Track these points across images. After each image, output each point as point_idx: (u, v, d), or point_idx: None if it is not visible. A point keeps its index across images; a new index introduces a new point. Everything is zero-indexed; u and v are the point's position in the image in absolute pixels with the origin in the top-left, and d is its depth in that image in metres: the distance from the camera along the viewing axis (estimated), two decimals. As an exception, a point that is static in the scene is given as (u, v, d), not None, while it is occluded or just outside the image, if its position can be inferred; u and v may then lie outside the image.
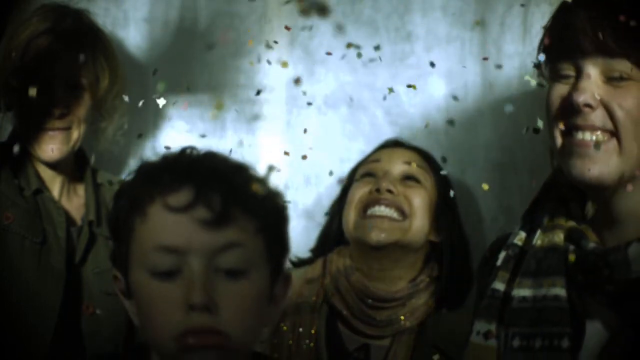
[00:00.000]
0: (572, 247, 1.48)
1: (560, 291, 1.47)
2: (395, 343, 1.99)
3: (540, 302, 1.48)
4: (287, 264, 1.36)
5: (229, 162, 1.27)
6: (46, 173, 2.13)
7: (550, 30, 1.48)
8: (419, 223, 2.02)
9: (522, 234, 1.56)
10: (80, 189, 2.19)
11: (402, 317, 1.99)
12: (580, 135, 1.43)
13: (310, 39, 2.32)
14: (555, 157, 1.53)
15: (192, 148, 1.27)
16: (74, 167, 2.20)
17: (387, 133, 2.22)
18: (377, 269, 2.02)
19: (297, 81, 2.27)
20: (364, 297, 2.00)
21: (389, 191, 2.01)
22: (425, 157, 2.11)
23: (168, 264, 1.20)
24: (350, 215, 2.04)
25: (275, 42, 2.09)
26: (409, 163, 2.06)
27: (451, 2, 2.26)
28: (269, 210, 1.26)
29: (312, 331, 2.00)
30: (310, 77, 2.32)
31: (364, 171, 2.09)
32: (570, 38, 1.42)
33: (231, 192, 1.22)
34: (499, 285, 1.54)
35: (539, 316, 1.47)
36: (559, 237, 1.51)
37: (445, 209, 2.05)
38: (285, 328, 2.00)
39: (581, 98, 1.41)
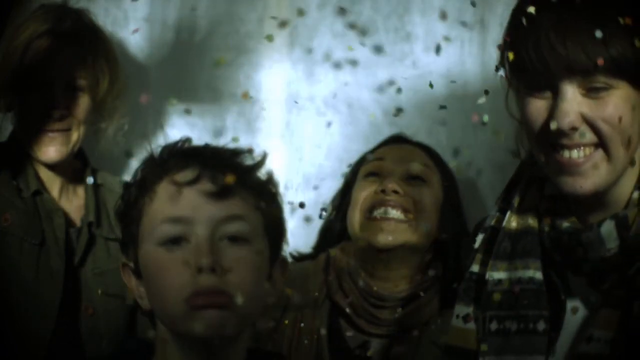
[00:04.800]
0: (546, 228, 1.47)
1: (535, 274, 1.47)
2: (397, 342, 1.98)
3: (515, 285, 1.47)
4: (288, 259, 1.42)
5: (227, 147, 1.38)
6: (46, 174, 2.13)
7: (514, 43, 1.43)
8: (426, 224, 1.99)
9: (497, 215, 1.56)
10: (80, 190, 2.19)
11: (405, 317, 1.98)
12: (567, 153, 1.41)
13: (310, 39, 2.33)
14: (521, 146, 1.52)
15: (190, 139, 1.39)
16: (74, 168, 2.19)
17: (387, 133, 2.21)
18: (382, 269, 1.99)
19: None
20: (367, 297, 1.99)
21: (395, 192, 1.98)
22: (429, 153, 2.08)
23: (176, 232, 1.30)
24: (356, 217, 2.01)
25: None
26: (414, 162, 2.04)
27: (450, 2, 2.26)
28: (265, 189, 1.36)
29: (314, 327, 1.98)
30: (310, 77, 2.32)
31: (368, 170, 2.05)
32: (540, 57, 1.38)
33: (232, 170, 1.32)
34: (476, 268, 1.54)
35: (515, 299, 1.47)
36: (532, 219, 1.50)
37: (450, 207, 2.03)
38: (286, 323, 1.98)
39: (566, 123, 1.38)
